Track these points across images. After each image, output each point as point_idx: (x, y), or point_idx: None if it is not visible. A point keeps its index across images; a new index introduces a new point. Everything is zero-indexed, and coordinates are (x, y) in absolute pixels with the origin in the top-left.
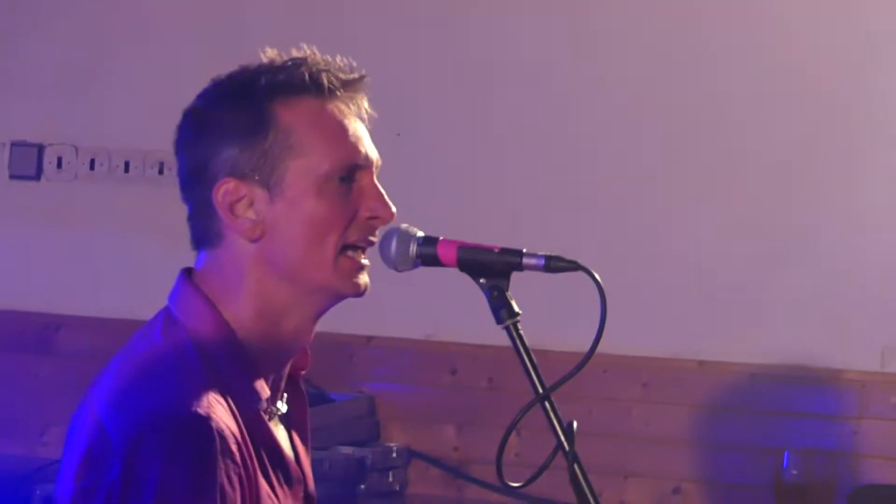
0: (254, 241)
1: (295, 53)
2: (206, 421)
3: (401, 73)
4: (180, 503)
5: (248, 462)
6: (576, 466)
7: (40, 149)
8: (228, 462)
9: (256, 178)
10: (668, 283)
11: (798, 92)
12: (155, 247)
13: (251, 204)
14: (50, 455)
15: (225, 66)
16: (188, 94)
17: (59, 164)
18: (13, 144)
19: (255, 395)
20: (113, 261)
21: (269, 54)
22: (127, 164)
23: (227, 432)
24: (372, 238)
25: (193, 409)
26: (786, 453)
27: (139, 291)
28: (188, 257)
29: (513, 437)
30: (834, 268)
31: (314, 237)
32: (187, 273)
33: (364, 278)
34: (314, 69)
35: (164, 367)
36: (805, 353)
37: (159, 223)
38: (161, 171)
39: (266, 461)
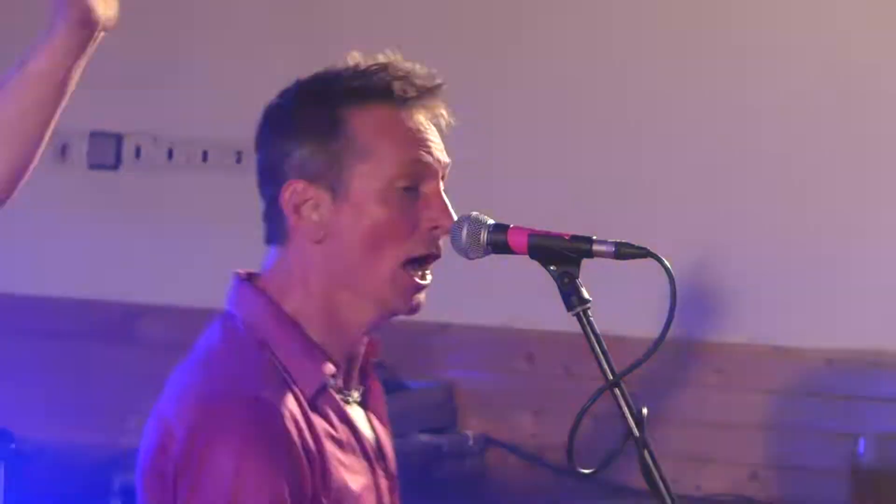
0: (317, 242)
1: (380, 58)
2: (260, 403)
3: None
4: (236, 483)
5: (313, 436)
6: (646, 453)
7: (119, 138)
8: (283, 439)
9: (324, 181)
10: (742, 270)
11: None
12: (233, 235)
13: (317, 206)
14: (130, 443)
15: (300, 56)
16: (265, 83)
17: (138, 154)
18: (91, 134)
19: (321, 372)
20: (192, 250)
21: (354, 58)
22: (205, 154)
23: (282, 411)
24: (436, 250)
25: (249, 392)
26: (861, 439)
27: (218, 280)
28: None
29: (591, 424)
30: None
31: (374, 245)
32: (242, 276)
33: (420, 298)
34: (389, 76)
35: (222, 357)
36: (880, 338)
37: (238, 212)
38: (239, 160)
39: (340, 434)
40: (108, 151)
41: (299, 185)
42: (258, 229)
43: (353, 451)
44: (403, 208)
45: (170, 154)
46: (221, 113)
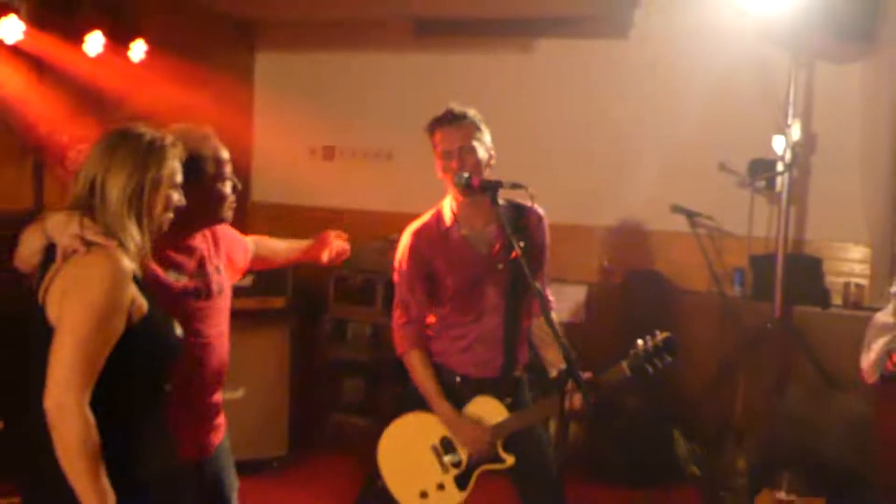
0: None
1: (447, 108)
2: (412, 232)
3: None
4: (402, 262)
5: (432, 243)
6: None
7: (332, 148)
8: (412, 245)
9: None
10: (577, 199)
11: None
12: (377, 193)
13: (441, 169)
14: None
15: (416, 98)
16: (384, 116)
17: (339, 154)
18: (323, 147)
19: (448, 221)
20: (375, 188)
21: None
22: (364, 153)
23: (418, 236)
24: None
25: (413, 228)
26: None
27: (380, 199)
28: (383, 195)
29: None
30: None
31: (446, 178)
32: None
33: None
34: (442, 116)
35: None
36: (638, 219)
37: (371, 184)
38: (390, 157)
39: (450, 245)
40: (327, 155)
41: (438, 161)
42: (381, 190)
43: (461, 253)
44: (446, 164)
45: (351, 154)
46: (367, 133)
